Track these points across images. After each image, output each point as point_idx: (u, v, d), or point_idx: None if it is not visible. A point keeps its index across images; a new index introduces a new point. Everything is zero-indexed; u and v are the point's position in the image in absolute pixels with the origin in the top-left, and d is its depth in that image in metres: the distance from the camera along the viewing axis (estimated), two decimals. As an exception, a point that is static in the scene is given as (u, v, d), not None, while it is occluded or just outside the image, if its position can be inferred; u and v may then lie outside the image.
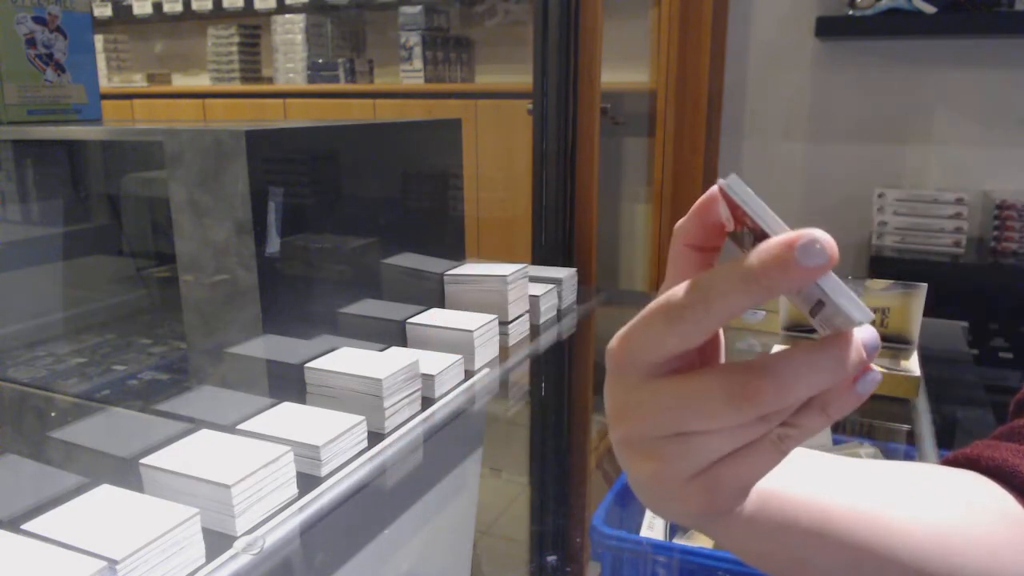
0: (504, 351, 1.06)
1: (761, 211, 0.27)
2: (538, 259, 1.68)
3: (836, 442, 0.82)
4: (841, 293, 0.26)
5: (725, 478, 0.30)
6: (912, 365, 0.93)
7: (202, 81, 3.37)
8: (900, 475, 0.42)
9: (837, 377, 0.27)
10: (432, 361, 0.91)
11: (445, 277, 1.12)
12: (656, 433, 0.30)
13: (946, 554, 0.38)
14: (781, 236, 0.25)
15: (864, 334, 0.28)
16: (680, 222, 0.30)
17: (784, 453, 0.30)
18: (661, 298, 0.28)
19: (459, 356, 0.94)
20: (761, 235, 0.27)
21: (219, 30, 3.16)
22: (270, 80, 3.13)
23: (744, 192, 0.27)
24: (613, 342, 0.30)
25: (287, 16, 2.98)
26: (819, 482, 0.38)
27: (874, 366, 0.28)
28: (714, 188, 0.29)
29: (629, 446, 0.31)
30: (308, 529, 0.66)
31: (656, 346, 0.29)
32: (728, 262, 0.27)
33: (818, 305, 0.27)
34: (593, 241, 1.71)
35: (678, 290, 0.28)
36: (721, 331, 0.32)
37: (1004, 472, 0.42)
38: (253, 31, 3.20)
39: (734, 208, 0.28)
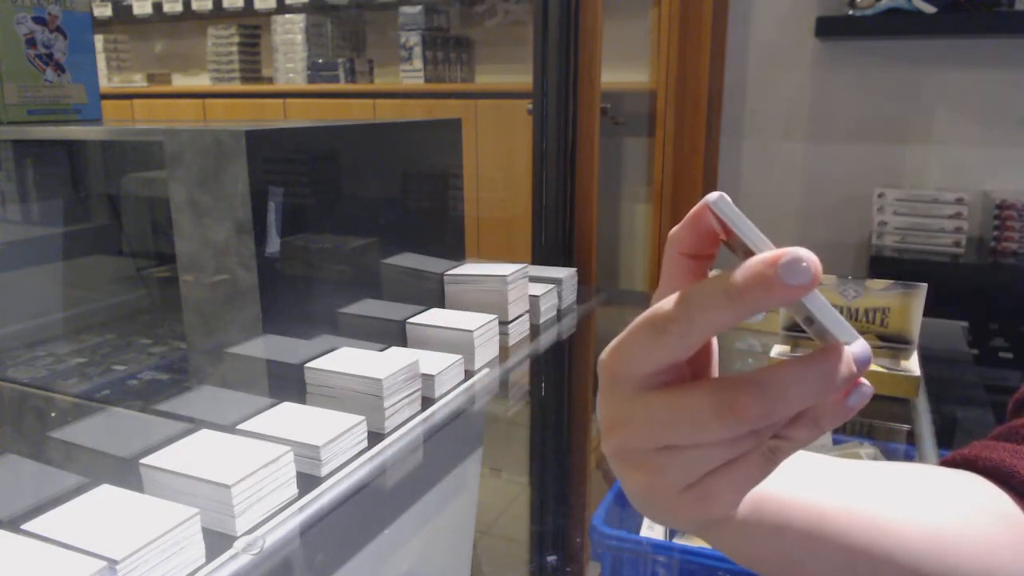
0: (504, 351, 1.06)
1: (747, 229, 0.27)
2: (538, 259, 1.68)
3: (836, 442, 0.82)
4: (827, 313, 0.26)
5: (716, 489, 0.30)
6: (912, 365, 0.93)
7: (202, 81, 3.37)
8: (896, 476, 0.42)
9: (826, 393, 0.27)
10: (432, 361, 0.91)
11: (445, 277, 1.12)
12: (647, 446, 0.30)
13: (942, 555, 0.38)
14: (765, 254, 0.25)
15: (855, 348, 0.28)
16: (674, 230, 0.31)
17: (775, 464, 0.30)
18: (648, 311, 0.29)
19: (459, 356, 0.94)
20: (750, 252, 0.27)
21: (219, 30, 3.16)
22: (270, 80, 3.13)
23: (730, 211, 0.27)
24: (604, 354, 0.30)
25: (287, 16, 2.98)
26: (814, 484, 0.38)
27: (864, 380, 0.28)
28: (704, 199, 0.29)
29: (621, 458, 0.32)
30: (308, 529, 0.66)
31: (643, 359, 0.29)
32: (714, 277, 0.27)
33: (809, 319, 0.28)
34: (593, 241, 1.71)
35: (664, 303, 0.28)
36: (715, 342, 0.33)
37: (1002, 473, 0.42)
38: (253, 31, 3.20)
39: (722, 224, 0.28)
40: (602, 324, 1.30)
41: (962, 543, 0.38)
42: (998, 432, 0.47)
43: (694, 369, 0.32)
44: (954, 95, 2.12)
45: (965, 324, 1.25)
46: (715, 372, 0.33)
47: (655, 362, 0.29)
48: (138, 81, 3.37)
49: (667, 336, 0.27)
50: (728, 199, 0.28)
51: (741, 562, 0.38)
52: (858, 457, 0.78)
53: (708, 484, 0.30)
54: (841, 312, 1.01)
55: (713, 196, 0.28)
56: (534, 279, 1.20)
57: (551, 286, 1.22)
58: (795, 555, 0.37)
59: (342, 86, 2.89)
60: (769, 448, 0.29)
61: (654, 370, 0.29)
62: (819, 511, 0.37)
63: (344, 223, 0.91)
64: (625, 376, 0.30)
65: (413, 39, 2.74)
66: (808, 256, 0.24)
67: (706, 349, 0.32)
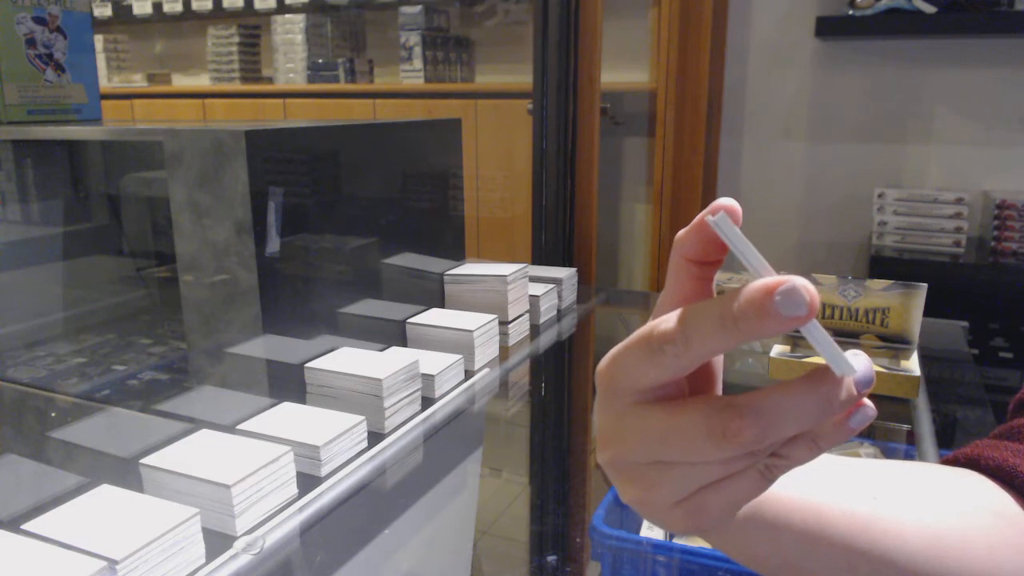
0: (504, 351, 1.06)
1: (746, 251, 0.26)
2: (538, 259, 1.68)
3: (836, 442, 0.82)
4: (823, 344, 0.26)
5: (709, 505, 0.30)
6: (912, 365, 0.93)
7: (202, 81, 3.37)
8: (897, 476, 0.42)
9: (824, 417, 0.27)
10: (432, 361, 0.91)
11: (445, 277, 1.12)
12: (640, 460, 0.30)
13: (942, 556, 0.37)
14: (763, 281, 0.25)
15: (858, 370, 0.27)
16: (680, 234, 0.30)
17: (771, 482, 0.30)
18: (646, 327, 0.28)
19: (459, 356, 0.94)
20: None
21: (219, 30, 3.16)
22: (270, 80, 3.13)
23: (731, 231, 0.27)
24: (602, 363, 0.30)
25: (287, 16, 2.98)
26: (814, 483, 0.38)
27: (867, 401, 0.28)
28: (713, 206, 0.29)
29: (615, 469, 0.32)
30: (308, 529, 0.66)
31: (638, 375, 0.29)
32: (712, 300, 0.26)
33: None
34: (593, 241, 1.71)
35: (664, 321, 0.27)
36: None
37: (1004, 472, 0.42)
38: (253, 31, 3.20)
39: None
40: (602, 324, 1.30)
41: (962, 544, 0.38)
42: (999, 431, 0.47)
43: (697, 381, 0.32)
44: (954, 95, 2.12)
45: (965, 324, 1.25)
46: (718, 384, 0.33)
47: (650, 380, 0.28)
48: (138, 81, 3.37)
49: (662, 356, 0.27)
50: (728, 219, 0.27)
51: (740, 561, 0.38)
52: (858, 456, 0.78)
53: (701, 499, 0.30)
54: (841, 312, 1.01)
55: (721, 205, 0.28)
56: (534, 279, 1.20)
57: (551, 286, 1.22)
58: (794, 555, 0.37)
59: (342, 86, 2.89)
60: (765, 466, 0.29)
61: (650, 386, 0.29)
62: (819, 511, 0.37)
63: (344, 223, 0.91)
64: (621, 389, 0.30)
65: (413, 39, 2.74)
66: (803, 286, 0.24)
67: (709, 362, 0.32)
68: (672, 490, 0.30)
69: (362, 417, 0.77)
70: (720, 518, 0.30)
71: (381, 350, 0.93)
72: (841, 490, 0.38)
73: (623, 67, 2.45)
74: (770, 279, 0.24)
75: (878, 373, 0.91)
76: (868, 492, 0.39)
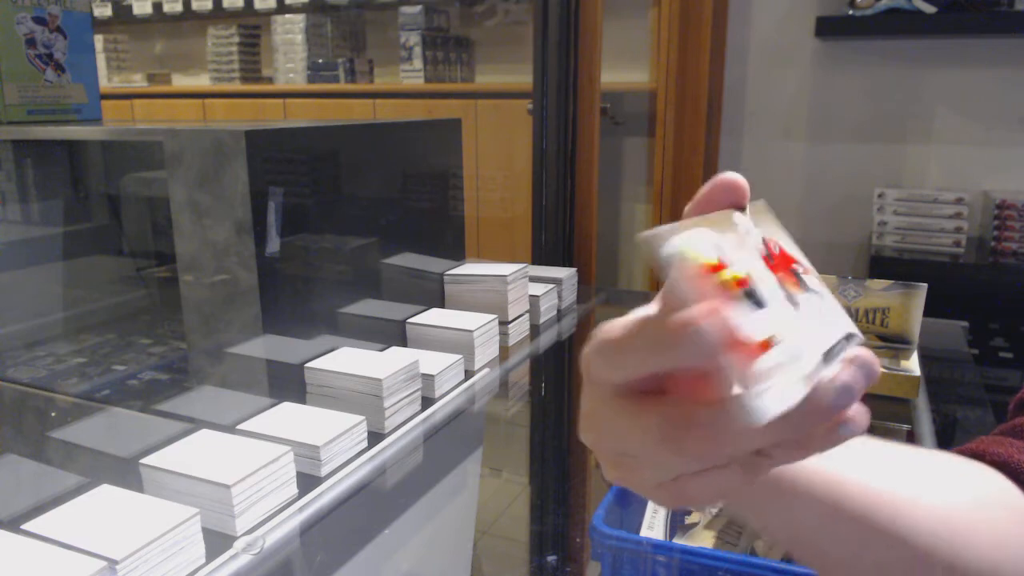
0: (504, 351, 1.06)
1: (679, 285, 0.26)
2: (538, 259, 1.68)
3: (836, 442, 0.82)
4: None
5: (690, 491, 0.29)
6: (912, 365, 0.93)
7: (202, 81, 3.37)
8: (914, 458, 0.41)
9: (795, 435, 0.26)
10: (432, 361, 0.91)
11: (445, 277, 1.12)
12: (616, 449, 0.30)
13: (953, 539, 0.37)
14: (682, 313, 0.24)
15: (837, 382, 0.25)
16: (687, 210, 0.30)
17: (757, 476, 0.29)
18: (610, 324, 0.28)
19: (459, 356, 0.94)
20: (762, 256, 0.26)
21: (219, 30, 3.16)
22: (270, 80, 3.12)
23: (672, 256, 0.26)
24: (586, 349, 0.30)
25: (287, 16, 2.98)
26: (834, 456, 0.37)
27: (858, 415, 0.27)
28: (717, 180, 0.28)
29: (596, 452, 0.32)
30: (308, 529, 0.66)
31: (606, 374, 0.29)
32: (653, 320, 0.26)
33: None
34: (593, 241, 1.71)
35: (615, 327, 0.28)
36: None
37: (1009, 468, 0.42)
38: (253, 31, 3.20)
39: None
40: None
41: (971, 529, 0.38)
42: (999, 431, 0.47)
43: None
44: (954, 95, 2.12)
45: (965, 324, 1.25)
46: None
47: (616, 379, 0.29)
48: (138, 81, 3.37)
49: (612, 363, 0.28)
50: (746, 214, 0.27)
51: (757, 528, 0.38)
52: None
53: (682, 485, 0.29)
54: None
55: (726, 179, 0.27)
56: (534, 279, 1.20)
57: (551, 286, 1.22)
58: (810, 527, 0.36)
59: (342, 86, 2.88)
60: (748, 462, 0.28)
61: (619, 383, 0.29)
62: (839, 484, 0.36)
63: (344, 223, 0.91)
64: (596, 382, 0.30)
65: (413, 39, 2.73)
66: (711, 326, 0.24)
67: None
68: (650, 476, 0.30)
69: (362, 417, 0.77)
70: (705, 503, 0.30)
71: (381, 350, 0.93)
72: (861, 466, 0.38)
73: (623, 67, 2.45)
74: (691, 311, 0.24)
75: (878, 373, 0.90)
76: (887, 471, 0.38)
